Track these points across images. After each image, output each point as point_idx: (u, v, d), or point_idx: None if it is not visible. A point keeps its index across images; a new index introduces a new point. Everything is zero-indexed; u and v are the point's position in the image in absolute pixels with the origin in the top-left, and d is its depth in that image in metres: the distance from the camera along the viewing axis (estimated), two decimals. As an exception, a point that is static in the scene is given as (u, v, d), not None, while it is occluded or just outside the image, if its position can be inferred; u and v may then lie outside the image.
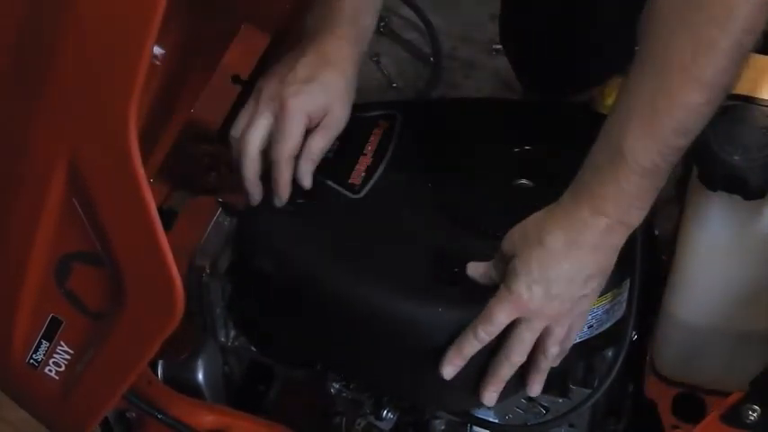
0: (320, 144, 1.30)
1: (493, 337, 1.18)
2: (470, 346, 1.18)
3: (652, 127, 1.10)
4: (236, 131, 1.30)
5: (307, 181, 1.30)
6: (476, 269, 1.21)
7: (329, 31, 1.31)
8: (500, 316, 1.17)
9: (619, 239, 1.16)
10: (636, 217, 1.15)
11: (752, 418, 1.16)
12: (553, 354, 1.20)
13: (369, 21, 1.34)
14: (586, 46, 1.67)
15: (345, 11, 1.32)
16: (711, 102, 1.09)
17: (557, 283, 1.15)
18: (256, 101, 1.29)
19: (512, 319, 1.17)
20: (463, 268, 1.21)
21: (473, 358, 1.19)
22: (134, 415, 1.43)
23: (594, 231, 1.14)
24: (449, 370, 1.20)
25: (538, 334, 1.19)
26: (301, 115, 1.27)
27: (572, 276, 1.15)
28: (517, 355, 1.19)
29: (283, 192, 1.29)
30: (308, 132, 1.29)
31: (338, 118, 1.30)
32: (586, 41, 1.67)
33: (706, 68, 1.07)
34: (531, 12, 1.67)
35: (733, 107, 1.15)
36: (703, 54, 1.07)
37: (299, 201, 1.30)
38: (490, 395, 1.22)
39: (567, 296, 1.16)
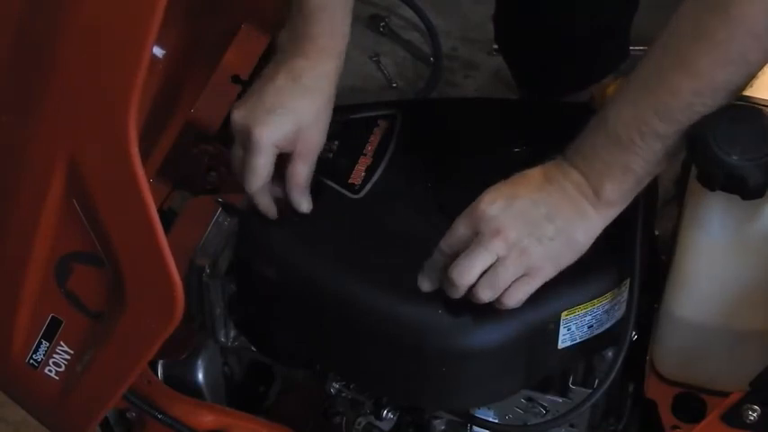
0: (300, 171, 1.28)
1: (453, 250, 1.18)
2: (437, 259, 1.19)
3: (636, 101, 1.12)
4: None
5: (304, 206, 1.29)
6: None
7: (306, 46, 1.27)
8: (459, 227, 1.17)
9: (589, 208, 1.16)
10: (608, 191, 1.15)
11: (752, 418, 1.16)
12: (487, 288, 1.17)
13: (346, 30, 1.30)
14: (581, 46, 1.68)
15: (322, 22, 1.27)
16: (702, 94, 1.10)
17: (521, 201, 1.15)
18: (231, 131, 1.28)
19: (470, 230, 1.17)
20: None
21: (470, 362, 1.20)
22: (134, 415, 1.43)
23: (565, 177, 1.16)
24: (425, 284, 1.21)
25: (487, 256, 1.15)
26: (268, 146, 1.25)
27: (537, 201, 1.16)
28: (464, 259, 1.16)
29: (271, 214, 1.30)
30: (288, 157, 1.28)
31: (312, 142, 1.28)
32: (581, 41, 1.67)
33: (700, 57, 1.08)
34: (526, 11, 1.67)
35: (731, 107, 1.15)
36: (700, 43, 1.08)
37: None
38: (422, 278, 1.21)
39: (526, 218, 1.15)
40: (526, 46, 1.74)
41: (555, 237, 1.16)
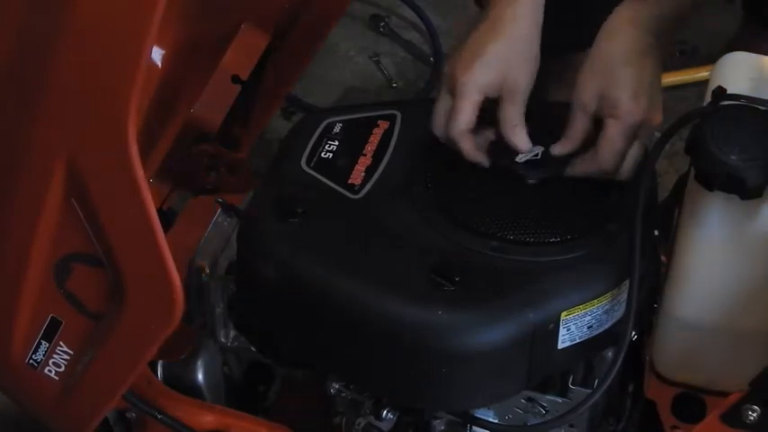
0: (511, 111, 1.31)
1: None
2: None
3: None
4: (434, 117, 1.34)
5: (524, 144, 1.32)
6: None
7: None
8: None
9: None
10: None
11: (752, 418, 1.16)
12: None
13: None
14: None
15: None
16: None
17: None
18: (440, 85, 1.34)
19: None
20: (462, 270, 1.21)
21: (470, 363, 1.21)
22: (134, 415, 1.43)
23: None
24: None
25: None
26: (472, 91, 1.29)
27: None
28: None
29: (479, 159, 1.32)
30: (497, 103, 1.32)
31: (517, 85, 1.31)
32: None
33: None
34: None
35: (730, 107, 1.15)
36: None
37: (298, 203, 1.31)
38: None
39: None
40: None
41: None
